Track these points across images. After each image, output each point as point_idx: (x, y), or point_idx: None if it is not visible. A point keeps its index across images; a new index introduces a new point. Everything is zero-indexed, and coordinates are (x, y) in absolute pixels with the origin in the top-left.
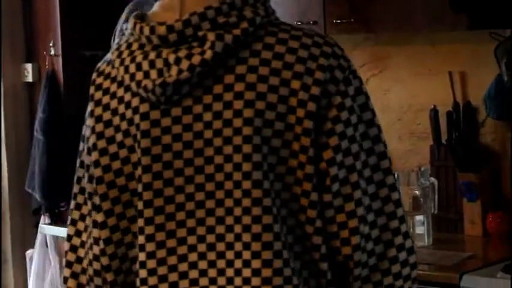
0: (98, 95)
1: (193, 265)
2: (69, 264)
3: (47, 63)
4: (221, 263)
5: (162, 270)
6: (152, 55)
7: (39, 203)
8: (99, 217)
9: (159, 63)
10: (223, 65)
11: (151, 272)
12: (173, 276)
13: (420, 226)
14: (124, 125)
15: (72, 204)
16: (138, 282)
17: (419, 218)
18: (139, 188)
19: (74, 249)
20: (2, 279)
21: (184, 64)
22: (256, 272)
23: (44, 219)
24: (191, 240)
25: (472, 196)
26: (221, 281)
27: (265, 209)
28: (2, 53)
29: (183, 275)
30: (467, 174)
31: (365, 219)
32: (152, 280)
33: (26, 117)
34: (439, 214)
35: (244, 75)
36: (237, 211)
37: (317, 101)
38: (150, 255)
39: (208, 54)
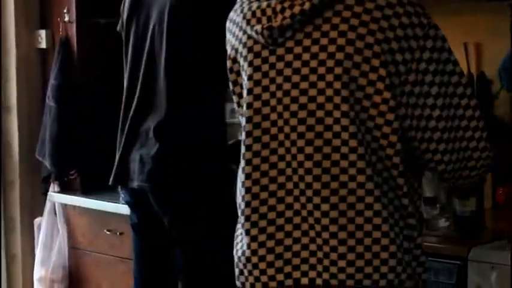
0: (227, 35)
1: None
2: None
3: (60, 30)
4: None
5: (256, 147)
6: (264, 5)
7: (49, 170)
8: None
9: (269, 12)
10: (321, 16)
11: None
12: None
13: None
14: (242, 61)
15: None
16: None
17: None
18: (243, 121)
19: None
20: (10, 247)
21: (287, 12)
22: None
23: (53, 187)
24: (281, 151)
25: None
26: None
27: (351, 134)
28: (16, 19)
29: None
30: None
31: (445, 130)
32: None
33: (38, 83)
34: None
35: (338, 25)
36: (328, 120)
37: (394, 53)
38: (249, 133)
39: (307, 5)
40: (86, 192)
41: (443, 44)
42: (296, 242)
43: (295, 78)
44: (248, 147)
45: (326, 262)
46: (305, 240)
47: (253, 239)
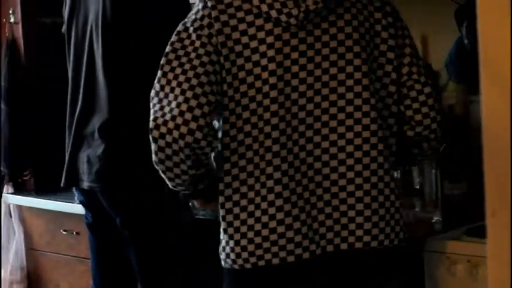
0: (224, 17)
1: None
2: None
3: (7, 31)
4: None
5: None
6: None
7: (2, 172)
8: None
9: None
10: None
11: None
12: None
13: None
14: (254, 44)
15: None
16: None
17: None
18: (267, 102)
19: None
20: None
21: None
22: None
23: (7, 188)
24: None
25: None
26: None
27: (372, 106)
28: None
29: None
30: None
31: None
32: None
33: None
34: (402, 178)
35: (350, 8)
36: (349, 95)
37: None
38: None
39: None
40: (41, 192)
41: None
42: (321, 212)
43: (317, 59)
44: (270, 136)
45: (352, 226)
46: (328, 209)
47: (287, 214)
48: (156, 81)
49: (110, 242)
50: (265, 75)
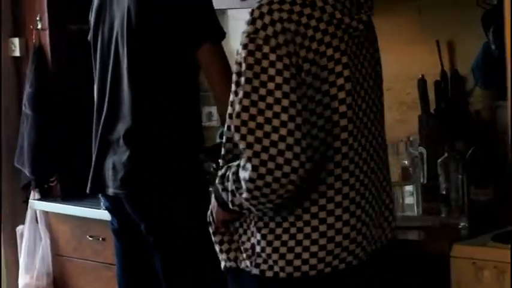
0: (302, 29)
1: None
2: None
3: (34, 38)
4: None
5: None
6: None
7: (29, 178)
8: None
9: (354, 1)
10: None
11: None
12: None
13: (409, 196)
14: (330, 51)
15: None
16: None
17: (408, 188)
18: (343, 108)
19: None
20: None
21: (369, 3)
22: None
23: (33, 194)
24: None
25: None
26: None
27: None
28: None
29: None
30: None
31: None
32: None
33: (14, 92)
34: (428, 184)
35: (370, 16)
36: (377, 103)
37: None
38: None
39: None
40: (67, 198)
41: None
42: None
43: (366, 64)
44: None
45: (394, 224)
46: (387, 212)
47: (345, 223)
48: (240, 109)
49: (135, 248)
50: (340, 81)
